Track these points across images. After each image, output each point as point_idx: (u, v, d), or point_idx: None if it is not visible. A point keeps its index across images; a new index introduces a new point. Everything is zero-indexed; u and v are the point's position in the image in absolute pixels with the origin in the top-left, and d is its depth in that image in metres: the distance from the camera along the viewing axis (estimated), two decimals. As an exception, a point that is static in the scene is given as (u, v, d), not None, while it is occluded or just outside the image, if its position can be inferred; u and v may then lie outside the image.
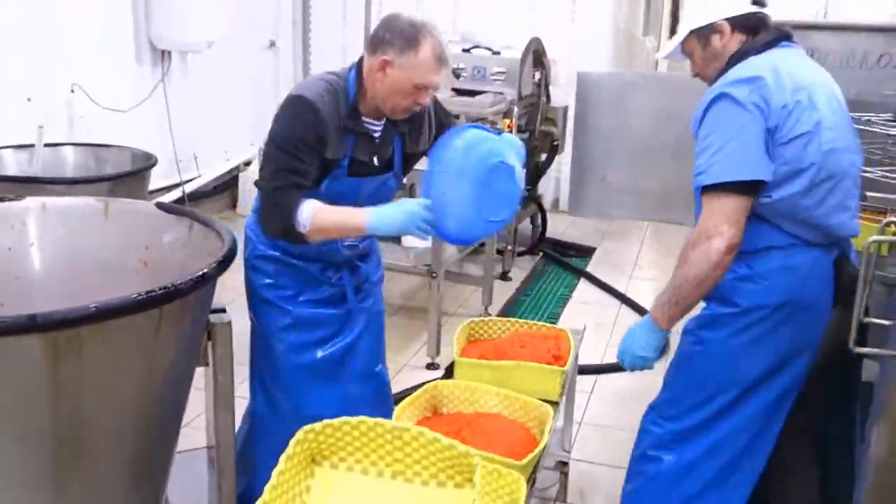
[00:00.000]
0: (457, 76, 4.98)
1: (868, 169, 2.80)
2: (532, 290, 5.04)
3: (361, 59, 2.15)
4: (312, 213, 2.01)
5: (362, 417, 1.38)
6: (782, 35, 2.01)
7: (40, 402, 1.63)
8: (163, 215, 2.35)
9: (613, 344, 4.21)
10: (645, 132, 3.07)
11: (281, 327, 2.32)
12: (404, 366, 3.87)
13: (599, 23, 6.55)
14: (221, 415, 2.20)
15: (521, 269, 5.33)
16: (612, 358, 4.02)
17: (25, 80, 4.35)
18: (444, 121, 2.37)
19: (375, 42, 2.09)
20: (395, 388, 3.47)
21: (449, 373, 2.39)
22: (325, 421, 1.39)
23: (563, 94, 5.74)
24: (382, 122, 2.20)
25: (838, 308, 1.95)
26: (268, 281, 2.31)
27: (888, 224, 1.80)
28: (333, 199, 2.13)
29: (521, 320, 2.62)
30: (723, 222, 1.85)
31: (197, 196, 5.68)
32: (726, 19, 1.99)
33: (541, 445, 1.84)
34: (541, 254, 5.59)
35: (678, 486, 2.11)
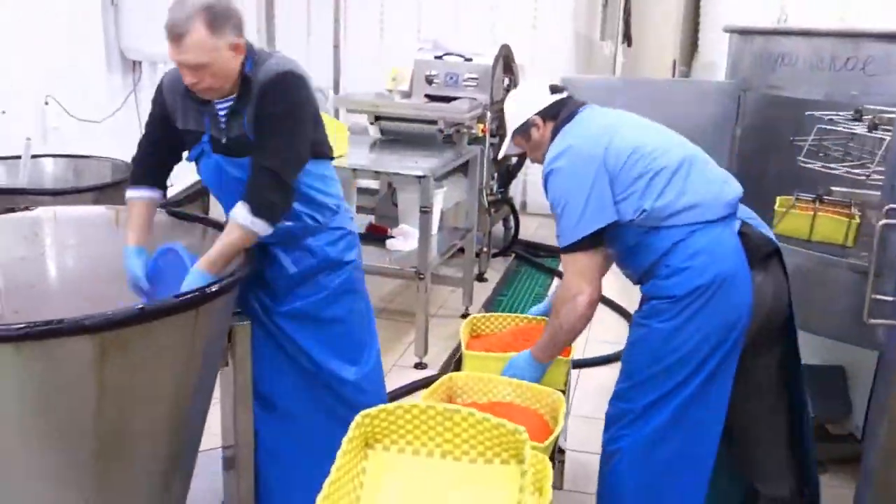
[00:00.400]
0: (429, 82, 5.10)
1: (831, 165, 3.01)
2: (508, 290, 5.17)
3: None
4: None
5: (415, 402, 1.47)
6: (578, 105, 2.36)
7: (86, 401, 1.69)
8: (175, 222, 2.43)
9: (592, 339, 4.38)
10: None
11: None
12: (393, 366, 3.96)
13: (560, 29, 6.74)
14: (241, 414, 2.27)
15: (495, 271, 5.46)
16: (591, 353, 4.19)
17: (-1, 93, 4.32)
18: (265, 107, 2.13)
19: None
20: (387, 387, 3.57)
21: (457, 366, 2.49)
22: (380, 406, 1.48)
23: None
24: (228, 101, 2.15)
25: (757, 272, 2.18)
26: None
27: (891, 210, 2.00)
28: (210, 176, 2.24)
29: (520, 315, 2.74)
30: (581, 281, 2.19)
31: (169, 205, 5.66)
32: (536, 114, 2.35)
33: (558, 429, 1.95)
34: (514, 255, 5.73)
35: (643, 462, 2.26)
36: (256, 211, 2.04)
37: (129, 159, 4.11)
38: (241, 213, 2.05)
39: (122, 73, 5.28)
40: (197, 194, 6.19)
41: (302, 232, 2.29)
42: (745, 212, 2.31)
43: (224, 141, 2.16)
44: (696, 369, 2.18)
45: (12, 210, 2.37)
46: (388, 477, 1.47)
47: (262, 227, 2.05)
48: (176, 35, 1.98)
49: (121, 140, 5.07)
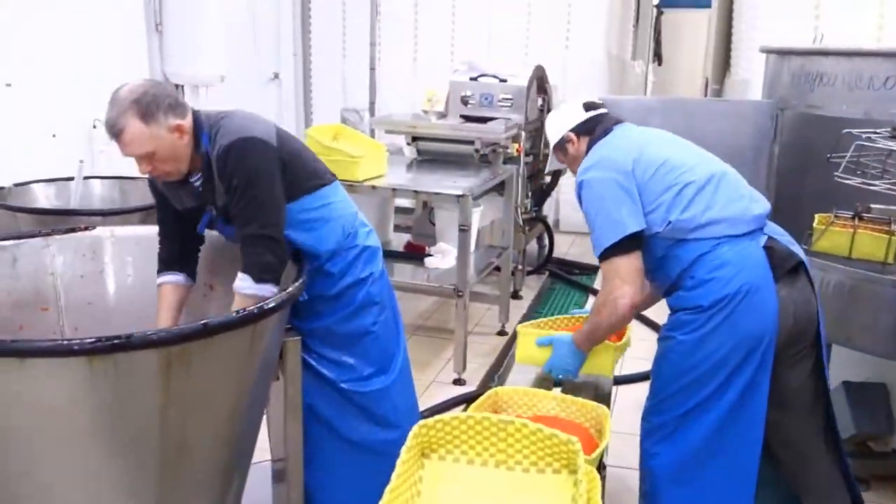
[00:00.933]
0: (465, 103, 5.18)
1: (870, 182, 3.02)
2: (543, 307, 5.21)
3: None
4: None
5: (469, 412, 1.53)
6: (613, 122, 2.48)
7: (152, 412, 1.76)
8: (223, 240, 2.50)
9: (629, 356, 4.38)
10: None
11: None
12: (432, 382, 4.01)
13: (592, 49, 6.80)
14: (291, 426, 2.33)
15: (530, 289, 5.50)
16: (627, 370, 4.20)
17: (49, 117, 4.48)
18: (223, 181, 2.19)
19: None
20: (426, 403, 3.62)
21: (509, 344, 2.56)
22: (437, 416, 1.53)
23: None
24: (198, 176, 2.25)
25: (782, 286, 2.22)
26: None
27: None
28: (232, 237, 2.28)
29: (569, 316, 2.81)
30: (622, 283, 2.24)
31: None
32: (570, 130, 2.50)
33: (605, 442, 1.99)
34: (548, 273, 5.77)
35: (682, 479, 2.29)
36: (259, 278, 2.08)
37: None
38: (245, 284, 2.08)
39: (166, 97, 5.44)
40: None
41: (319, 260, 2.35)
42: (773, 228, 2.35)
43: (214, 213, 2.26)
44: (725, 381, 2.20)
45: (73, 230, 2.46)
46: (445, 486, 1.51)
47: (270, 290, 2.07)
48: (114, 134, 2.09)
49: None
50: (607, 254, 2.24)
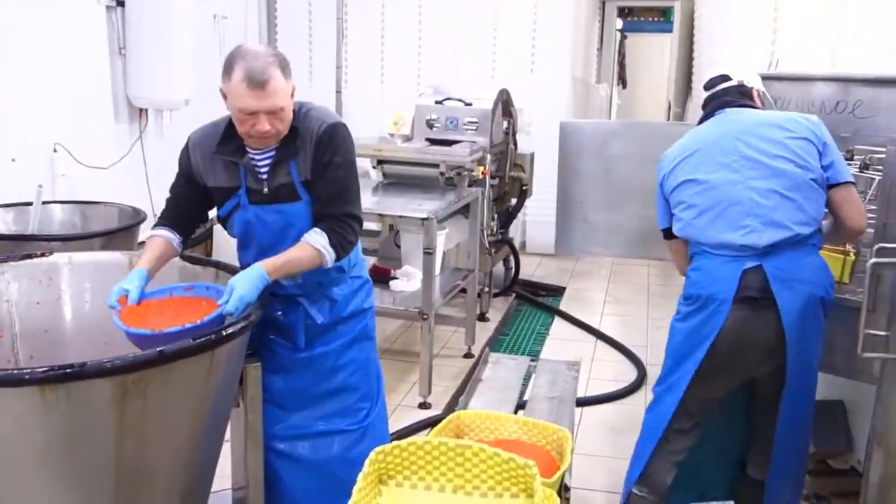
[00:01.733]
0: (430, 126, 5.20)
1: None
2: (510, 329, 5.22)
3: None
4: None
5: (427, 438, 1.52)
6: (719, 105, 2.60)
7: (106, 441, 1.74)
8: (188, 266, 2.48)
9: (594, 377, 4.42)
10: (623, 176, 3.31)
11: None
12: (397, 406, 3.99)
13: (557, 72, 6.87)
14: (251, 453, 2.31)
15: (496, 311, 5.51)
16: (593, 391, 4.22)
17: (9, 141, 4.41)
18: (327, 154, 2.24)
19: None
20: (392, 427, 3.59)
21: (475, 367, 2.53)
22: (394, 442, 1.53)
23: (528, 141, 6.03)
24: (270, 151, 2.23)
25: (739, 307, 2.40)
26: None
27: (882, 248, 2.15)
28: (245, 228, 2.29)
29: None
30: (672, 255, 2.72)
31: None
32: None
33: (565, 464, 2.00)
34: (514, 294, 5.79)
35: (651, 434, 2.61)
36: (333, 244, 2.18)
37: (136, 205, 4.23)
38: (318, 238, 2.18)
39: (128, 120, 5.40)
40: (201, 237, 6.28)
41: (328, 281, 2.36)
42: (791, 270, 2.39)
43: (265, 191, 2.23)
44: (674, 366, 2.54)
45: (29, 256, 2.42)
46: (402, 512, 1.51)
47: (331, 259, 2.19)
48: (260, 83, 2.06)
49: (128, 186, 5.18)
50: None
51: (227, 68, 2.12)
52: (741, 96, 2.57)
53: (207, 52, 6.05)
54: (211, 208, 2.38)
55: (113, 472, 1.77)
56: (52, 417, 1.65)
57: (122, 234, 3.87)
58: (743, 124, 2.50)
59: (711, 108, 2.61)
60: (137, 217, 4.05)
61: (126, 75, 5.25)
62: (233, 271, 2.28)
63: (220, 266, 2.46)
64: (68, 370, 1.62)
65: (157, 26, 5.10)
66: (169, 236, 2.32)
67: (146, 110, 5.44)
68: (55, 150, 4.67)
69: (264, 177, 2.23)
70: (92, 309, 2.45)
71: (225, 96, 2.16)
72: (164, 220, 2.36)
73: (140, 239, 5.06)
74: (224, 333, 1.87)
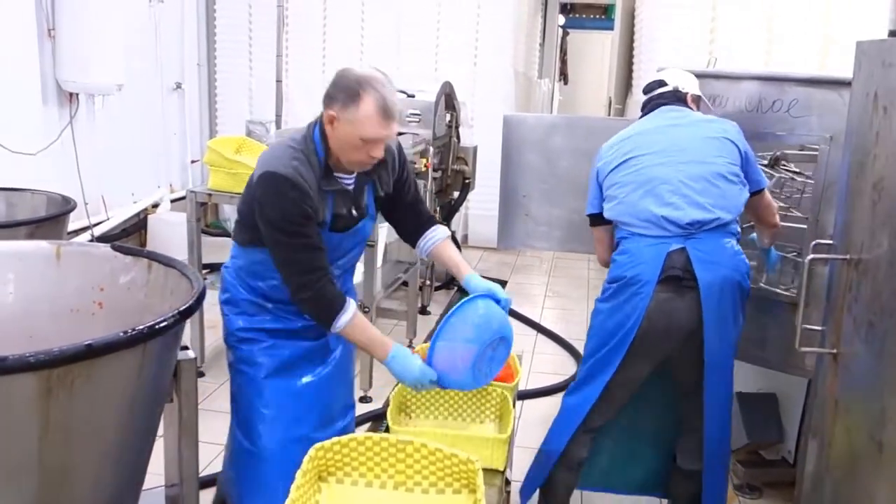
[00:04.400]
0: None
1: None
2: (451, 322, 5.21)
3: (322, 116, 2.18)
4: (348, 322, 2.14)
5: (367, 434, 1.49)
6: (655, 107, 2.75)
7: (30, 438, 1.65)
8: (119, 256, 2.38)
9: (535, 370, 4.44)
10: (564, 170, 3.33)
11: (262, 376, 2.36)
12: (337, 400, 3.94)
13: (499, 66, 6.89)
14: (186, 451, 2.23)
15: (438, 304, 5.50)
16: (533, 384, 4.24)
17: (-70, 124, 4.21)
18: (405, 164, 2.39)
19: (325, 97, 2.16)
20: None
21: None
22: (334, 438, 1.49)
23: (471, 135, 6.02)
24: (354, 174, 2.24)
25: (663, 289, 2.49)
26: (240, 324, 2.38)
27: (817, 244, 2.22)
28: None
29: None
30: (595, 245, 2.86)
31: (106, 239, 5.56)
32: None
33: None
34: (456, 288, 5.78)
35: (570, 420, 2.71)
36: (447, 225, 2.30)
37: (66, 193, 4.08)
38: (446, 230, 2.44)
39: (58, 105, 5.20)
40: (134, 227, 6.12)
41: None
42: (711, 252, 2.49)
43: (347, 212, 2.23)
44: (598, 346, 2.63)
45: (-53, 245, 2.30)
46: (342, 510, 1.47)
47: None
48: (394, 113, 2.09)
49: (57, 173, 4.99)
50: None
51: (353, 96, 2.06)
52: (677, 101, 2.73)
53: (142, 35, 5.87)
54: None
55: (37, 472, 1.68)
56: (-29, 414, 1.56)
57: (49, 223, 3.71)
58: (677, 120, 2.67)
59: (649, 109, 2.77)
60: (67, 205, 3.89)
61: (55, 58, 5.06)
62: (165, 262, 2.21)
63: (152, 257, 2.37)
64: (-13, 365, 1.53)
65: (89, 7, 4.92)
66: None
67: (77, 95, 5.26)
68: (-20, 135, 4.48)
69: (352, 197, 2.26)
70: (16, 301, 2.33)
71: (334, 120, 2.10)
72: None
73: (70, 229, 4.91)
74: (157, 326, 1.80)
